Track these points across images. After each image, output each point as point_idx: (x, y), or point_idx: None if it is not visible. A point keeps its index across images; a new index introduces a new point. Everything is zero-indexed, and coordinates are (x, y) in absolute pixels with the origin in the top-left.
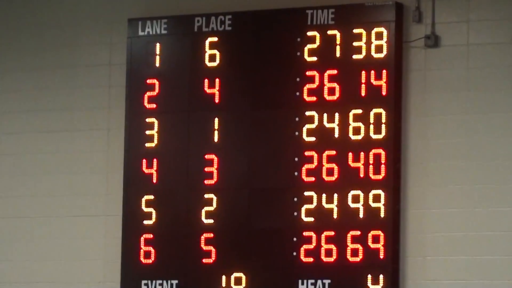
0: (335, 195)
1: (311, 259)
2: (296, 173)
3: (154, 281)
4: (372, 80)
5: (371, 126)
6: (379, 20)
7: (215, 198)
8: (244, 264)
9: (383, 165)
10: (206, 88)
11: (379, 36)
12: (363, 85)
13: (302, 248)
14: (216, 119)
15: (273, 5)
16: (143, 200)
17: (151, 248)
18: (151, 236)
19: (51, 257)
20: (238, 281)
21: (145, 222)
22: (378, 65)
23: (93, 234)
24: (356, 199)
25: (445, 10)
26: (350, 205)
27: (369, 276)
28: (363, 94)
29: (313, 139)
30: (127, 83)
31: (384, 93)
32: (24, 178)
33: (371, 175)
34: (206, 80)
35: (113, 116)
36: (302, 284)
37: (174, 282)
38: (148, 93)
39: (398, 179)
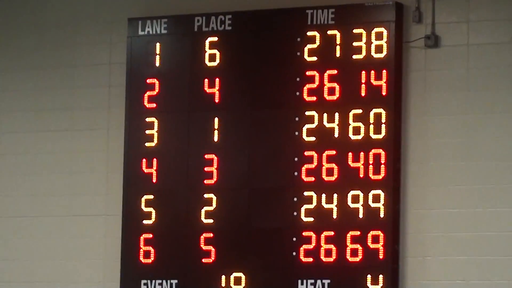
0: (335, 195)
1: (310, 259)
2: (296, 173)
3: (153, 281)
4: (372, 80)
5: (371, 126)
6: (379, 20)
7: (214, 198)
8: (243, 264)
9: (383, 165)
10: (206, 88)
11: (379, 36)
12: (363, 85)
13: (301, 248)
14: (216, 119)
15: (273, 5)
16: (143, 199)
17: (150, 248)
18: (151, 235)
19: (51, 256)
20: (237, 281)
21: (145, 221)
22: (378, 65)
23: (93, 233)
24: (355, 199)
25: (445, 10)
26: (350, 205)
27: (369, 276)
28: (363, 94)
29: (313, 139)
30: (127, 82)
31: (384, 93)
32: (24, 178)
33: (371, 175)
34: (206, 80)
35: (113, 116)
36: (302, 284)
37: (174, 282)
38: (148, 93)
39: (398, 179)
